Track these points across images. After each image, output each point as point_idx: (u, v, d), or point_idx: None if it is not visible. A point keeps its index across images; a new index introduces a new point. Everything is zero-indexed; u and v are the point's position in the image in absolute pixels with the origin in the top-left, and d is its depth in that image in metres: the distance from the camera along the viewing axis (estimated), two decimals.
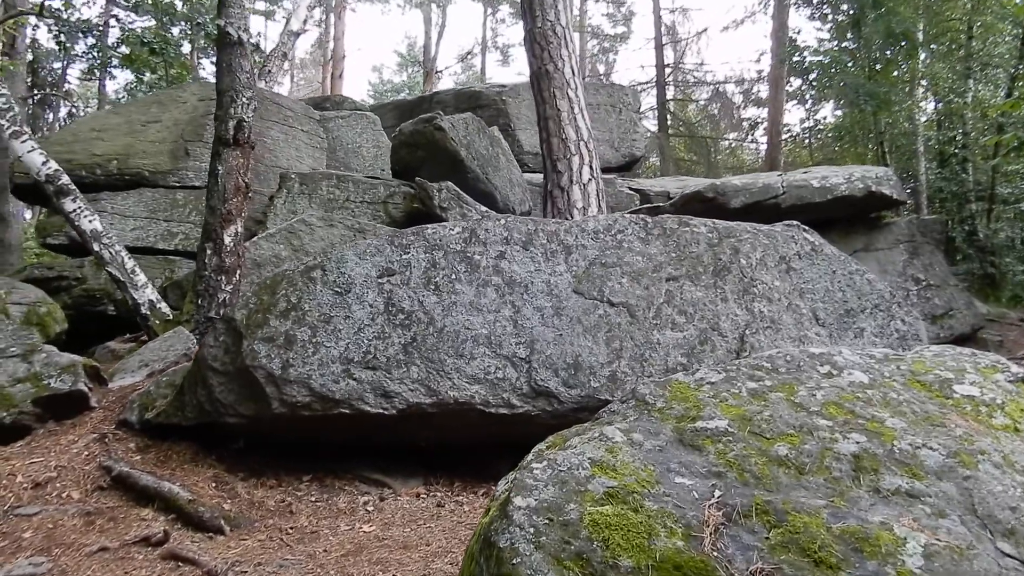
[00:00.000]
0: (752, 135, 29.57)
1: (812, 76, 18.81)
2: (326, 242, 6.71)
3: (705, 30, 29.91)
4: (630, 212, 8.06)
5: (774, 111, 24.09)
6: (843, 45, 17.85)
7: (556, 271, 4.43)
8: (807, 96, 23.50)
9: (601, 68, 37.88)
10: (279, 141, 9.46)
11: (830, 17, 19.51)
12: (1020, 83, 15.66)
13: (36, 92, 25.10)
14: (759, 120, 28.40)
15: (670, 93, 28.54)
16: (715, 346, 4.37)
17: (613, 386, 4.21)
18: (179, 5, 15.86)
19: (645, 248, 4.59)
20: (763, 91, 28.04)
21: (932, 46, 18.28)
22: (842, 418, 2.49)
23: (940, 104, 20.24)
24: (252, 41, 15.19)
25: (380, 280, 4.29)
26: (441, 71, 37.56)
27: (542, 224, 4.58)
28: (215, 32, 15.25)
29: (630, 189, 10.03)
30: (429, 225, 4.51)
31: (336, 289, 4.24)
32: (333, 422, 4.14)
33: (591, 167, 7.39)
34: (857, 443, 2.30)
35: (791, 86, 24.25)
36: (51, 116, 27.26)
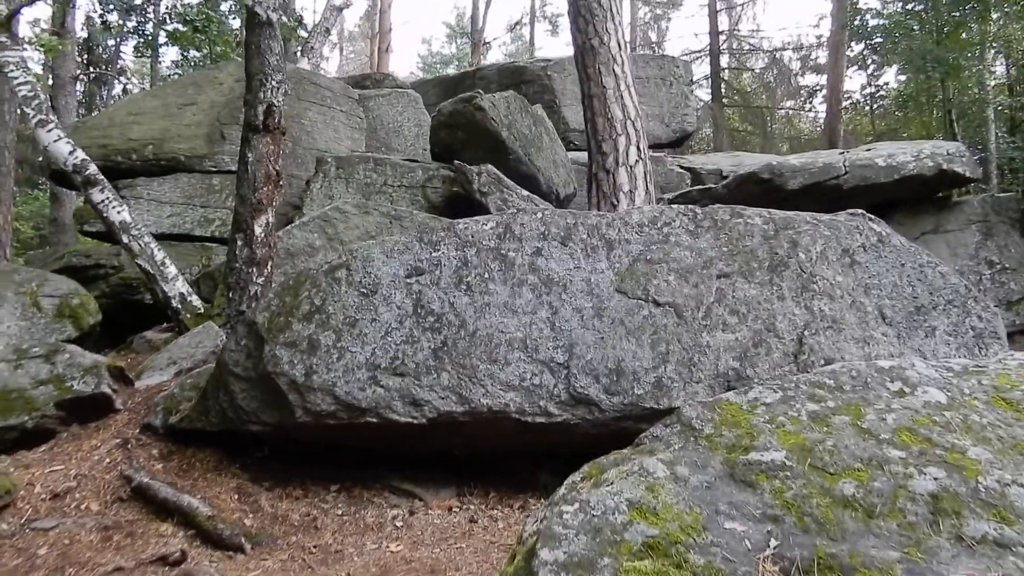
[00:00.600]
0: (811, 103, 28.57)
1: (875, 41, 17.93)
2: (361, 230, 6.50)
3: None
4: (678, 194, 7.68)
5: (834, 78, 23.09)
6: (908, 7, 16.92)
7: (597, 268, 4.13)
8: (869, 62, 22.45)
9: (653, 36, 36.99)
10: (317, 123, 9.27)
11: None
12: None
13: (92, 70, 25.43)
14: (818, 88, 27.40)
15: (724, 62, 27.70)
16: (770, 348, 4.04)
17: (659, 393, 3.91)
18: None
19: (694, 242, 4.26)
20: (822, 57, 27.00)
21: (1005, 7, 17.24)
22: (917, 448, 2.18)
23: (1012, 68, 19.15)
24: (292, 19, 15.03)
25: (408, 280, 4.05)
26: (489, 42, 37.04)
27: (582, 217, 4.27)
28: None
29: (680, 167, 9.61)
30: (461, 220, 4.24)
31: (362, 290, 4.01)
32: (359, 431, 3.94)
33: (639, 147, 7.02)
34: (935, 479, 1.99)
35: (852, 51, 23.19)
36: (106, 94, 27.61)
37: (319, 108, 9.35)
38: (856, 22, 19.05)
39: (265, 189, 5.79)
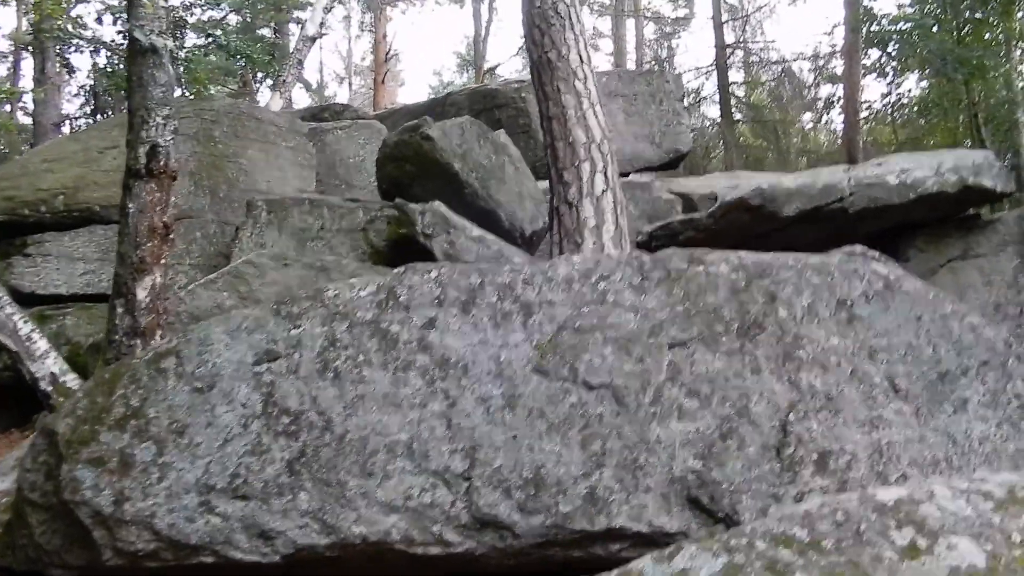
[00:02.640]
0: (827, 115, 27.54)
1: (891, 46, 16.95)
2: (280, 286, 5.62)
3: (766, 4, 27.93)
4: (658, 226, 6.73)
5: (850, 88, 22.13)
6: (925, 8, 15.93)
7: (510, 342, 3.19)
8: (887, 68, 21.37)
9: (664, 54, 36.29)
10: (257, 161, 8.46)
11: None
12: None
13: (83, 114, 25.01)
14: (834, 99, 26.38)
15: (735, 76, 26.80)
16: (744, 441, 3.06)
17: (592, 509, 2.96)
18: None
19: (640, 301, 3.30)
20: (838, 67, 26.00)
21: None
22: None
23: None
24: (264, 51, 14.37)
25: (258, 368, 3.13)
26: (494, 67, 36.43)
27: (491, 274, 3.33)
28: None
29: (670, 193, 8.66)
30: (331, 285, 3.33)
31: (196, 384, 3.10)
32: (193, 575, 3.00)
33: (606, 175, 6.10)
34: None
35: (869, 58, 22.14)
36: None
37: (261, 145, 8.55)
38: (873, 27, 18.10)
39: (150, 245, 4.93)
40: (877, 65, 21.48)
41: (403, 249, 6.53)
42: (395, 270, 3.30)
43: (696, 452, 3.03)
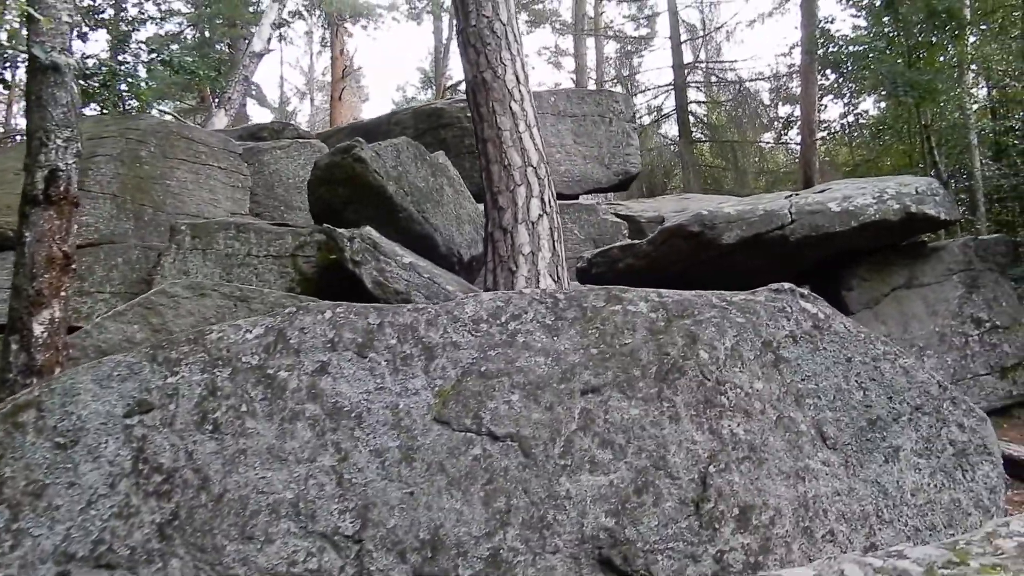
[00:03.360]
0: (786, 135, 27.77)
1: (845, 67, 17.06)
2: (196, 317, 5.32)
3: (724, 25, 28.17)
4: (597, 252, 6.54)
5: (806, 108, 22.27)
6: (878, 31, 16.07)
7: (409, 389, 2.95)
8: (844, 90, 21.61)
9: (626, 73, 36.47)
10: (187, 183, 8.14)
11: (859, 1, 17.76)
12: None
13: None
14: (793, 119, 26.63)
15: (694, 95, 26.90)
16: (660, 495, 2.85)
17: (495, 572, 2.72)
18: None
19: (552, 342, 3.09)
20: (796, 87, 26.28)
21: (982, 26, 16.45)
22: None
23: (993, 90, 18.34)
24: (210, 67, 13.99)
25: (129, 420, 2.86)
26: (456, 84, 36.29)
27: (391, 315, 3.10)
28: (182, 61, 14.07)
29: (616, 216, 8.49)
30: (214, 328, 3.06)
31: (58, 439, 2.82)
32: None
33: (543, 199, 5.91)
34: None
35: (827, 80, 22.37)
36: None
37: (191, 166, 8.23)
38: (830, 49, 18.24)
39: (48, 276, 4.62)
40: (834, 86, 21.73)
41: (333, 276, 6.27)
42: (286, 309, 3.05)
43: (609, 508, 2.82)
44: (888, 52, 14.57)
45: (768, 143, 26.18)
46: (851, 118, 23.64)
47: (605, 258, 6.37)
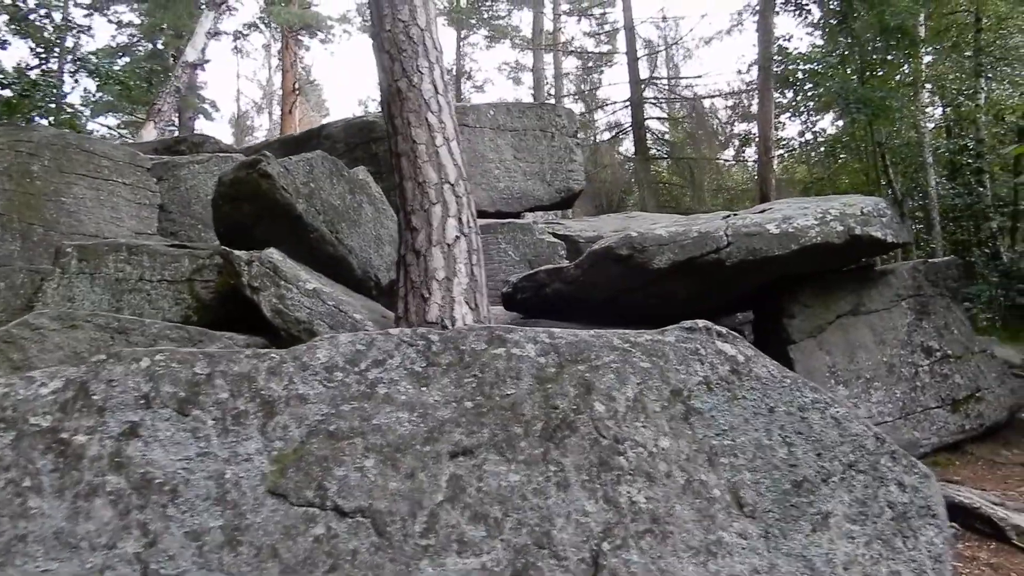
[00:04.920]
0: (743, 153, 27.72)
1: (798, 84, 16.90)
2: (66, 351, 4.76)
3: (682, 41, 28.09)
4: (523, 276, 6.08)
5: (763, 126, 22.19)
6: (831, 48, 15.93)
7: (239, 454, 2.45)
8: (802, 108, 21.52)
9: (586, 89, 36.39)
10: (85, 200, 7.52)
11: (817, 17, 17.66)
12: None
13: None
14: (751, 136, 26.58)
15: (651, 112, 26.74)
16: None
17: None
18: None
19: (419, 394, 2.61)
20: (753, 105, 26.25)
21: (938, 45, 16.43)
22: None
23: (948, 108, 18.32)
24: (140, 79, 13.35)
25: None
26: None
27: (224, 363, 2.59)
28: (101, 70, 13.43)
29: (554, 236, 8.04)
30: (2, 380, 2.52)
31: None
32: None
33: (460, 220, 5.43)
34: None
35: (784, 97, 22.28)
36: None
37: (91, 181, 7.62)
38: (789, 66, 18.10)
39: None
40: (792, 104, 21.62)
41: (233, 303, 5.73)
42: (93, 358, 2.53)
43: None
44: (841, 69, 14.42)
45: (726, 160, 26.07)
46: (809, 136, 23.55)
47: (531, 282, 5.91)
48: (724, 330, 2.96)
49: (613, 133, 29.06)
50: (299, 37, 29.36)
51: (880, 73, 14.64)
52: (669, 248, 5.10)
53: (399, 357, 2.69)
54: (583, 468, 2.54)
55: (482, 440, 2.53)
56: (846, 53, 14.91)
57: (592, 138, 29.74)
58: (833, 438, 2.81)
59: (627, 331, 2.89)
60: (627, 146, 29.28)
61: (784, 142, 24.65)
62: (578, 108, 35.05)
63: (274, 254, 5.61)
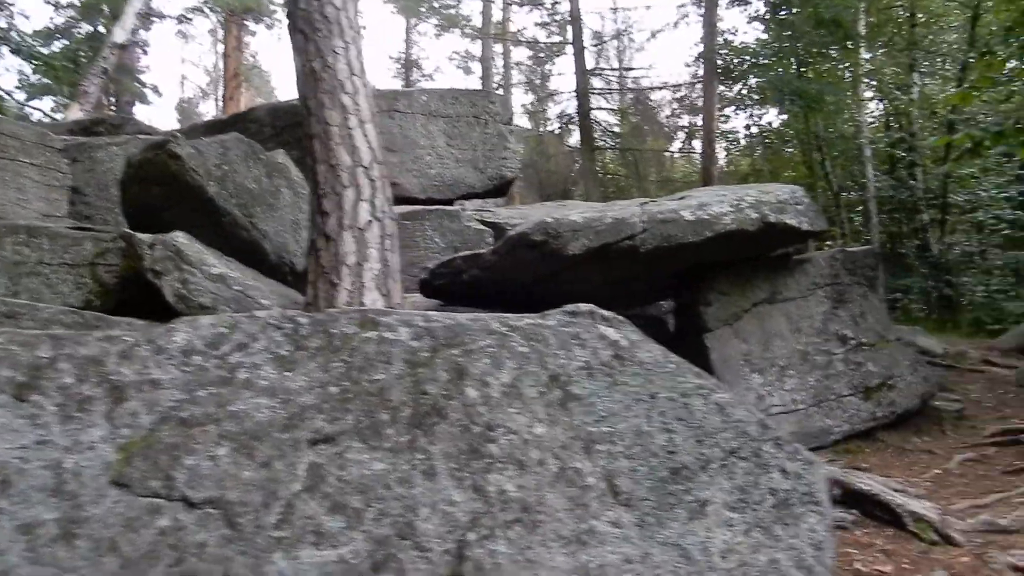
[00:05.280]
0: (690, 145, 27.93)
1: (738, 77, 17.06)
2: None
3: (629, 31, 28.23)
4: (441, 263, 5.97)
5: (707, 118, 22.39)
6: (771, 42, 16.08)
7: (82, 442, 2.31)
8: (746, 100, 21.68)
9: (537, 80, 36.36)
10: None
11: (757, 9, 17.82)
12: (971, 74, 14.02)
13: None
14: (696, 129, 26.77)
15: (598, 103, 26.75)
16: (404, 572, 2.28)
17: None
18: None
19: (282, 379, 2.49)
20: (699, 98, 26.41)
21: (875, 40, 16.69)
22: None
23: (884, 102, 18.66)
24: (64, 59, 12.88)
25: None
26: None
27: (70, 345, 2.44)
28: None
29: (482, 223, 7.95)
30: None
31: None
32: None
33: (374, 204, 5.31)
34: None
35: (730, 90, 22.40)
36: None
37: None
38: (733, 59, 18.26)
39: None
40: (738, 97, 21.78)
41: (136, 288, 5.52)
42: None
43: None
44: (778, 62, 14.54)
45: (672, 153, 26.24)
46: (755, 129, 23.76)
47: (448, 269, 5.81)
48: (609, 314, 2.89)
49: (561, 124, 29.04)
50: (243, 22, 28.73)
51: (817, 66, 14.80)
52: (583, 234, 5.04)
53: (264, 340, 2.57)
54: (452, 456, 2.45)
55: (346, 427, 2.43)
56: (785, 45, 15.07)
57: (541, 128, 29.76)
58: (715, 424, 2.76)
59: (508, 315, 2.81)
60: (576, 137, 29.36)
61: (730, 135, 24.81)
62: (528, 98, 35.05)
63: (179, 237, 5.43)
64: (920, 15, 15.31)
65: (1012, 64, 7.07)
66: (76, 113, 12.54)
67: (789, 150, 20.89)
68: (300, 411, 2.43)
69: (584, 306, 2.87)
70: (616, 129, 27.12)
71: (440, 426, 2.48)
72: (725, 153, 25.79)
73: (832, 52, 15.90)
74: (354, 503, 2.33)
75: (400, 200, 9.18)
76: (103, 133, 9.41)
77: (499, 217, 8.03)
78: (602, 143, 25.31)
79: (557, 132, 27.89)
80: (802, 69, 14.30)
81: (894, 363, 5.92)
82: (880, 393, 5.78)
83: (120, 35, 13.07)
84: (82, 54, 14.34)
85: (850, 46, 14.37)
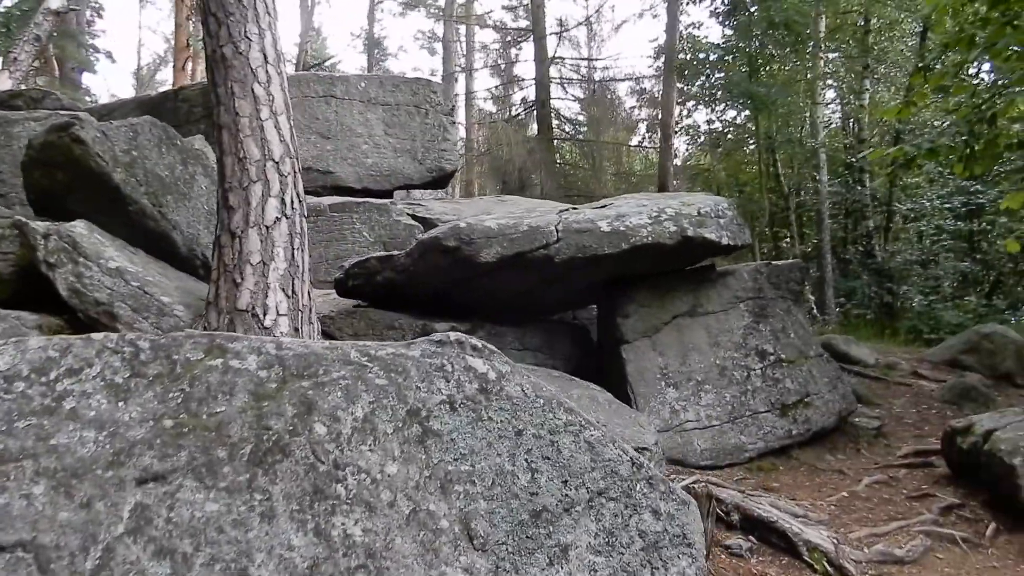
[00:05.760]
0: (652, 138, 27.87)
1: (694, 73, 17.02)
2: None
3: (591, 20, 28.10)
4: (354, 264, 5.80)
5: (665, 112, 22.33)
6: (725, 42, 16.04)
7: None
8: (707, 96, 21.60)
9: (502, 64, 36.03)
10: None
11: (718, 6, 17.76)
12: (919, 84, 14.17)
13: None
14: (656, 122, 26.71)
15: (559, 92, 26.57)
16: None
17: None
18: None
19: (114, 410, 2.33)
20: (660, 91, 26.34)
21: (830, 44, 16.75)
22: None
23: (842, 107, 18.79)
24: None
25: None
26: (324, 60, 34.79)
27: None
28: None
29: (413, 218, 7.77)
30: None
31: None
32: None
33: (283, 200, 5.14)
34: None
35: (690, 86, 22.29)
36: None
37: None
38: (688, 55, 18.22)
39: None
40: (699, 93, 21.71)
41: (35, 279, 5.27)
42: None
43: None
44: (731, 61, 14.52)
45: (630, 146, 26.18)
46: (718, 125, 23.74)
47: (362, 269, 5.64)
48: (480, 343, 2.77)
49: (520, 112, 28.79)
50: None
51: (769, 68, 14.81)
52: (497, 241, 4.92)
53: (99, 366, 2.40)
54: (294, 497, 2.32)
55: (178, 464, 2.28)
56: (741, 45, 15.05)
57: (504, 115, 29.48)
58: (583, 463, 2.66)
59: (370, 344, 2.67)
60: (533, 127, 29.12)
61: (691, 130, 24.75)
62: (493, 83, 34.76)
63: (77, 227, 5.20)
64: (875, 20, 15.35)
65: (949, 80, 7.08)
66: (5, 82, 12.06)
67: (749, 149, 20.97)
68: (129, 446, 2.27)
69: (453, 335, 2.73)
70: (576, 119, 27.00)
71: (283, 464, 2.34)
72: (685, 148, 25.79)
73: (786, 56, 15.92)
74: (183, 547, 2.19)
75: (335, 190, 8.97)
76: (21, 107, 9.02)
77: (431, 212, 7.85)
78: (560, 133, 25.15)
79: (517, 120, 27.66)
80: (753, 71, 14.26)
81: (811, 380, 5.90)
82: (796, 410, 5.76)
83: (55, 2, 12.56)
84: (14, 19, 13.80)
85: (806, 50, 14.36)
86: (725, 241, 5.34)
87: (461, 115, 34.37)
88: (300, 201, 5.31)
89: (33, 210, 6.09)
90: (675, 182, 22.01)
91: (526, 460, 2.60)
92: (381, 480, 2.41)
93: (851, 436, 6.19)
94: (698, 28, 20.61)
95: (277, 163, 5.21)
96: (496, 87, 34.00)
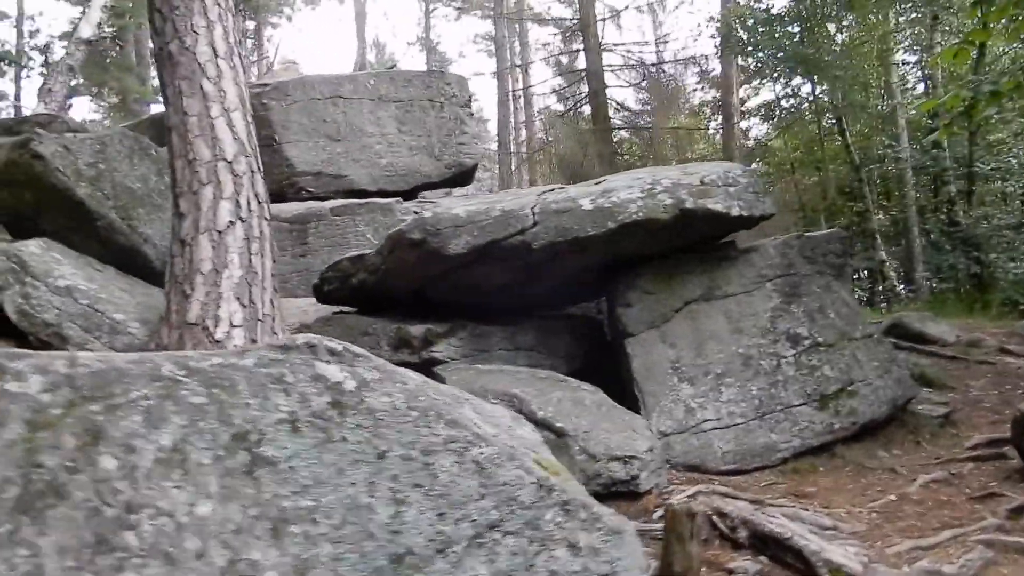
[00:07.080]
0: (716, 119, 26.82)
1: (751, 46, 16.05)
2: None
3: (643, 6, 27.25)
4: (329, 266, 5.34)
5: (724, 91, 21.39)
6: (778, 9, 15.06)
7: None
8: (766, 71, 20.50)
9: (565, 60, 35.53)
10: None
11: None
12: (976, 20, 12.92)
13: None
14: (718, 103, 25.66)
15: (612, 80, 25.78)
16: None
17: None
18: None
19: None
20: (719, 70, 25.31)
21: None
22: None
23: (920, 68, 17.51)
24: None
25: None
26: (390, 67, 35.00)
27: None
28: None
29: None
30: None
31: None
32: None
33: (237, 203, 4.75)
34: None
35: (746, 61, 21.25)
36: None
37: None
38: (738, 31, 17.27)
39: None
40: (762, 69, 20.63)
41: None
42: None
43: None
44: (782, 29, 13.56)
45: (690, 129, 25.22)
46: (784, 102, 22.57)
47: (337, 273, 5.21)
48: (340, 347, 2.25)
49: (576, 102, 28.13)
50: (273, 19, 28.52)
51: (825, 31, 13.80)
52: (466, 230, 4.39)
53: None
54: (69, 551, 1.84)
55: None
56: (794, 9, 14.09)
57: (562, 109, 28.90)
58: (468, 490, 2.12)
59: (192, 354, 2.20)
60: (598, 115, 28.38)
61: (758, 110, 23.64)
62: (549, 76, 34.21)
63: (29, 245, 4.94)
64: None
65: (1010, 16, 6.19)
66: (41, 111, 12.21)
67: (820, 121, 19.81)
68: None
69: (302, 337, 2.23)
70: (636, 107, 26.20)
71: (57, 510, 1.88)
72: (757, 128, 24.66)
73: (835, 14, 14.81)
74: None
75: (349, 194, 8.60)
76: (24, 133, 8.98)
77: (438, 208, 7.37)
78: (620, 122, 24.41)
79: (572, 113, 27.03)
80: (810, 34, 13.28)
81: (856, 365, 5.12)
82: (838, 401, 5.00)
83: (85, 30, 12.66)
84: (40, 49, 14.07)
85: (868, 6, 13.24)
86: (736, 212, 4.66)
87: (521, 112, 34.03)
88: (260, 203, 4.90)
89: (8, 232, 5.89)
90: (741, 161, 21.02)
91: (390, 489, 2.07)
92: (188, 524, 1.92)
93: (910, 427, 5.38)
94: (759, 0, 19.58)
95: (230, 163, 4.82)
96: (547, 80, 33.47)
